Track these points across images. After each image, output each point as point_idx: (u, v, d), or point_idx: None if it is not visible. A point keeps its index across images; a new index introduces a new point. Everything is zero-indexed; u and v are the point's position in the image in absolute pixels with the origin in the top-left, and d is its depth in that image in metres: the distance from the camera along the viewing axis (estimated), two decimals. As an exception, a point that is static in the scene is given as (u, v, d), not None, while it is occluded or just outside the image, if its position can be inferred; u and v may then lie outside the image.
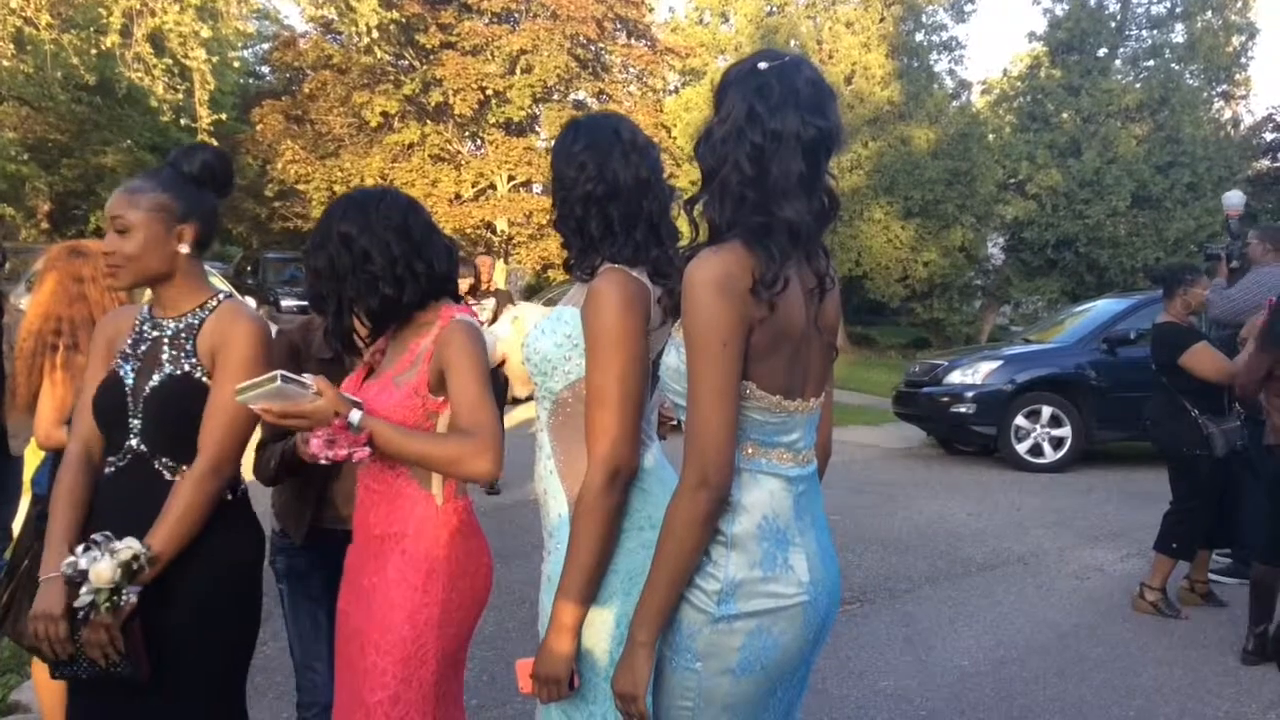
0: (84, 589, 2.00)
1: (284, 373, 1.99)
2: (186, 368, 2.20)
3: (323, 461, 2.06)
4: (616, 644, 1.89)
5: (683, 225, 1.97)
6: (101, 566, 2.00)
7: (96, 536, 2.04)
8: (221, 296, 2.30)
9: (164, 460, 2.18)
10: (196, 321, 2.24)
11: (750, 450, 1.73)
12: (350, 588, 2.27)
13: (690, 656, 1.72)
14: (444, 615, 2.19)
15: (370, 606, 2.18)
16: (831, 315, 1.84)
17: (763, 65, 1.70)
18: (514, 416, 9.99)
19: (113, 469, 2.21)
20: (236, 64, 21.59)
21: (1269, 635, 4.65)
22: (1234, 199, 6.81)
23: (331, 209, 2.29)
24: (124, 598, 2.03)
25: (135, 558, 2.03)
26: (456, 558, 2.22)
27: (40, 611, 2.06)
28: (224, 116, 18.65)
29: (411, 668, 2.16)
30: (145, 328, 2.27)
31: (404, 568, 2.16)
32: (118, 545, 2.03)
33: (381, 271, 2.18)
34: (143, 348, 2.23)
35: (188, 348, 2.21)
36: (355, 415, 2.03)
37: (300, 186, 21.66)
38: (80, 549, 2.03)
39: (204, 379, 2.20)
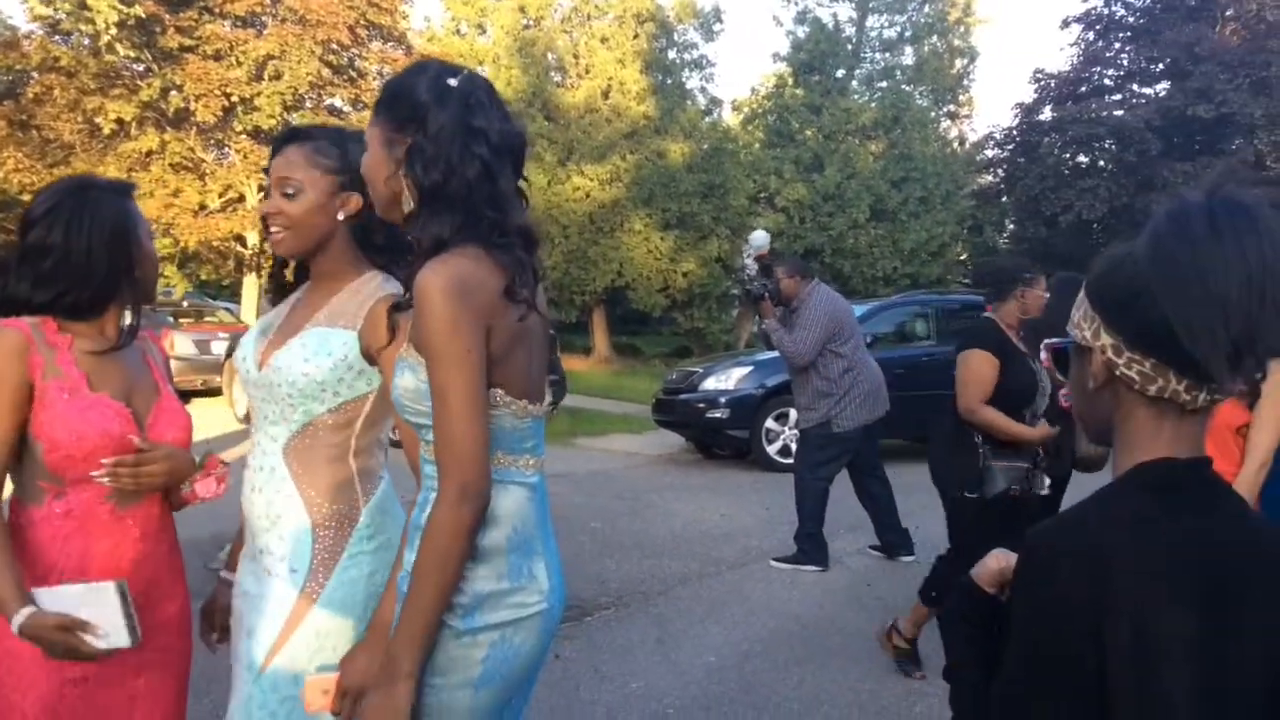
0: None
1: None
2: None
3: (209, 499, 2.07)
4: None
5: None
6: None
7: None
8: None
9: None
10: None
11: (500, 459, 1.72)
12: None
13: (429, 672, 1.68)
14: None
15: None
16: (543, 305, 1.89)
17: (453, 81, 1.72)
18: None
19: None
20: (-51, 65, 19.80)
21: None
22: (760, 239, 7.20)
23: None
24: None
25: None
26: None
27: None
28: (-66, 121, 17.07)
29: None
30: None
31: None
32: None
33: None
34: None
35: None
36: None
37: (25, 197, 20.06)
38: None
39: None
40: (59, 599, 1.90)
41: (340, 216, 2.02)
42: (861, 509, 6.92)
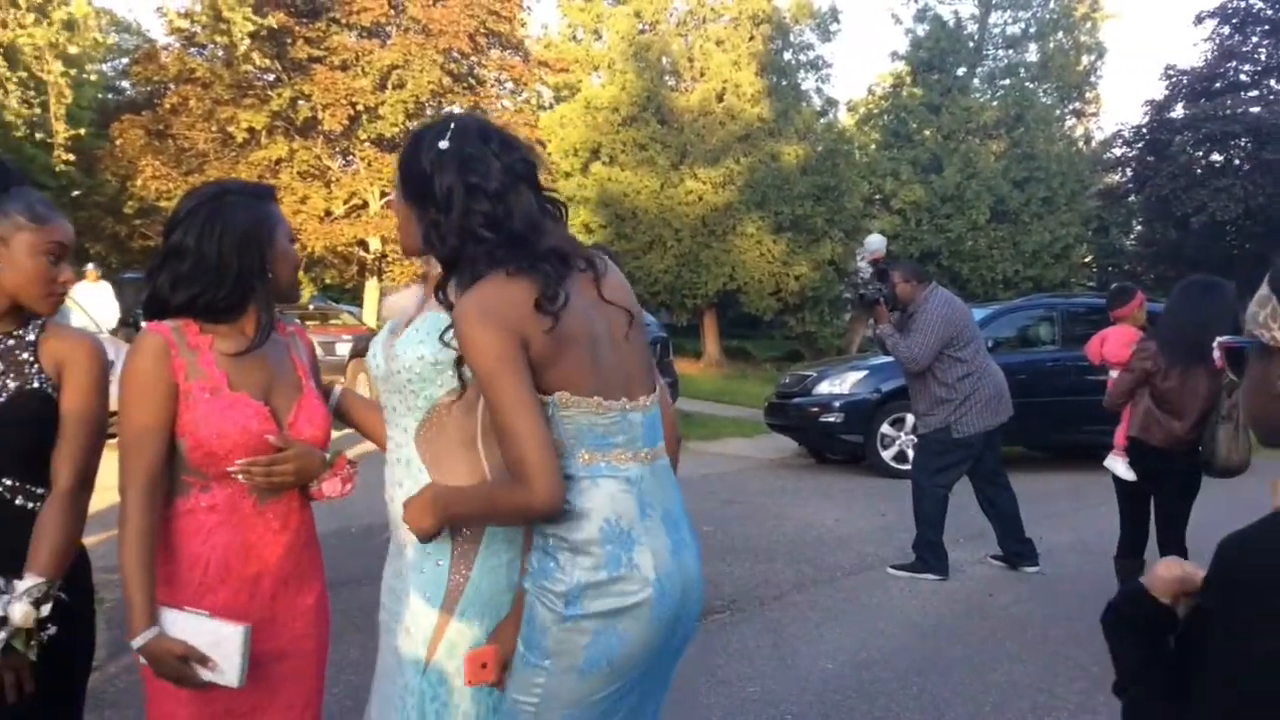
0: (1, 633, 1.90)
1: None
2: (36, 384, 2.10)
3: (335, 498, 2.21)
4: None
5: None
6: (20, 608, 1.90)
7: None
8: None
9: (5, 481, 2.07)
10: (31, 337, 2.13)
11: (585, 457, 1.80)
12: None
13: (540, 653, 1.79)
14: None
15: None
16: (618, 289, 1.92)
17: (444, 144, 1.82)
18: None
19: None
20: (94, 77, 20.74)
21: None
22: (875, 242, 6.95)
23: None
24: (46, 633, 1.96)
25: (45, 592, 1.95)
26: None
27: None
28: (82, 132, 17.95)
29: None
30: None
31: None
32: (20, 583, 1.93)
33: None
34: None
35: (29, 363, 2.11)
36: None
37: (162, 204, 20.92)
38: None
39: (54, 394, 2.11)
40: (185, 626, 1.99)
41: None
42: (983, 518, 6.76)
